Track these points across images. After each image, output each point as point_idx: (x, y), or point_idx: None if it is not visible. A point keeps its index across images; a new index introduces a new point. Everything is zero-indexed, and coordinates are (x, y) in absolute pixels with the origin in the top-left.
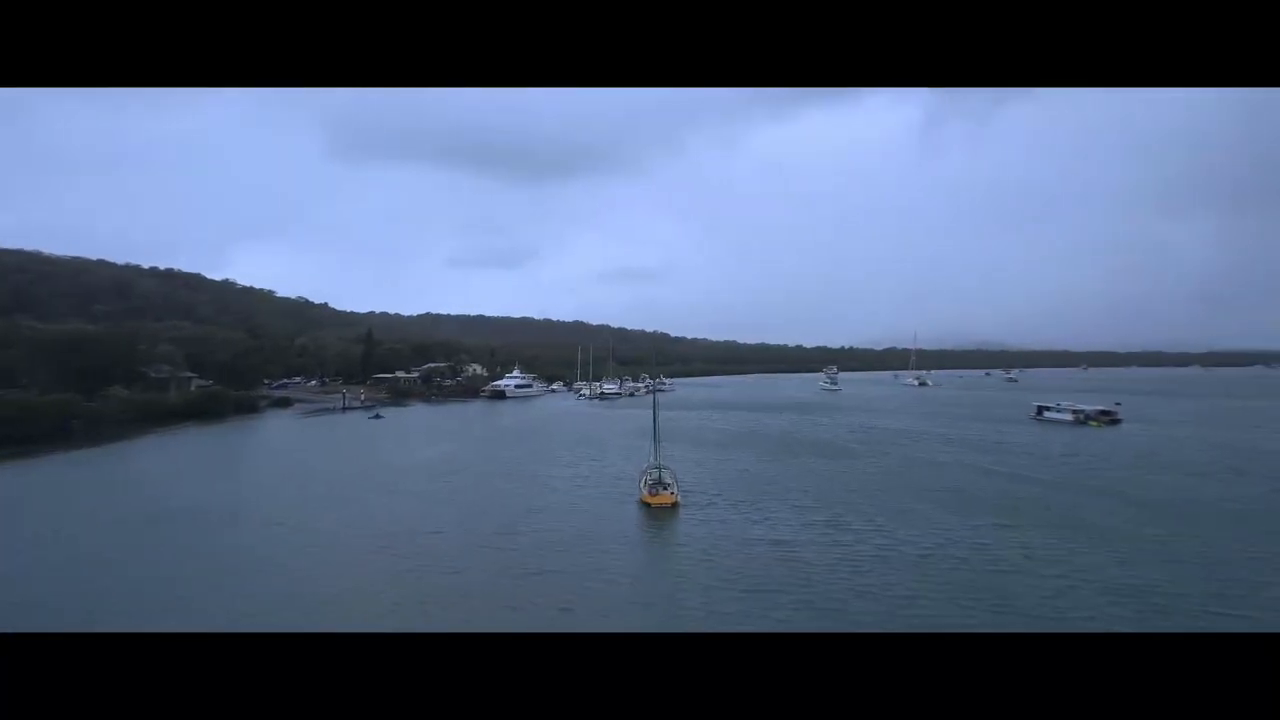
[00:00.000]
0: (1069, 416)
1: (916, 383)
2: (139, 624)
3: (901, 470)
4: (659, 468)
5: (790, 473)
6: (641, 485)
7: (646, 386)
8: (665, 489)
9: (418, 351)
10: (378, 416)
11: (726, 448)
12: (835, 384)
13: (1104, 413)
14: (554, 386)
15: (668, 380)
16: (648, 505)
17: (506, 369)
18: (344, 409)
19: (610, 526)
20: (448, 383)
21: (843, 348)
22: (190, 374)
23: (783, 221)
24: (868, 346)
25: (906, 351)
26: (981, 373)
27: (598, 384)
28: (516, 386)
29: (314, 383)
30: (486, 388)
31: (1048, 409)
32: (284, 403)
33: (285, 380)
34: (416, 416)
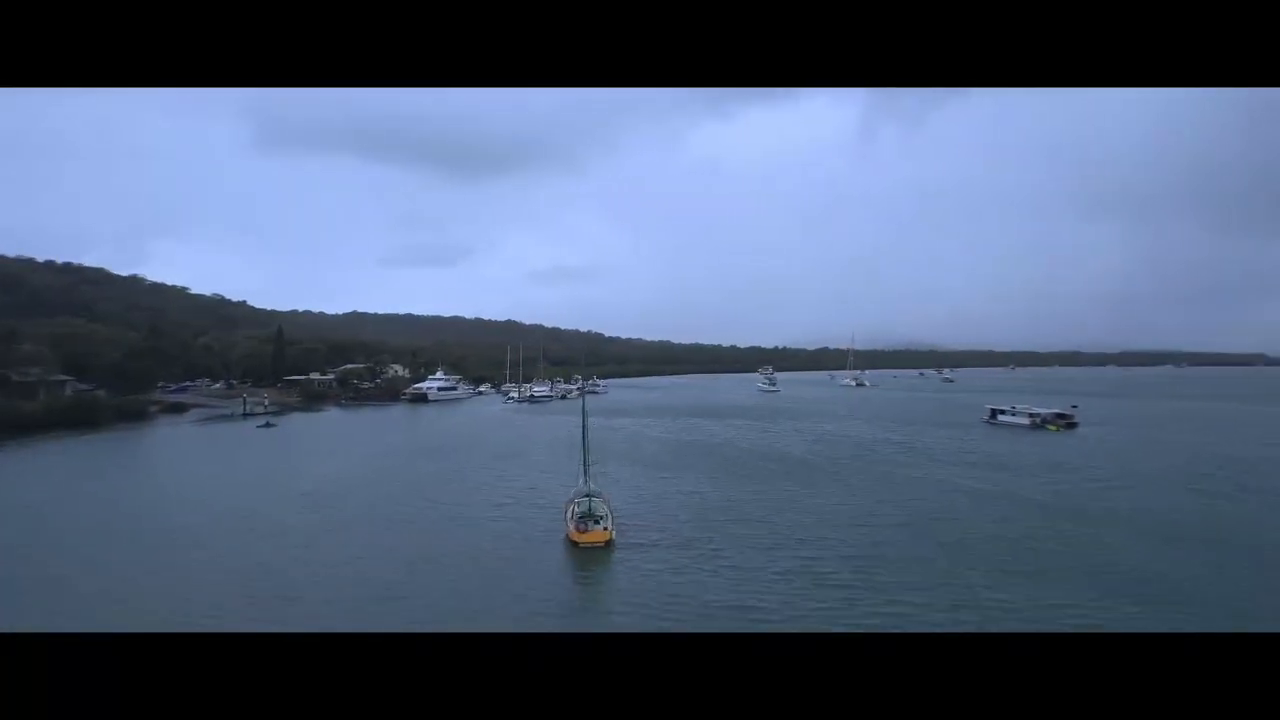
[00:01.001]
0: (1025, 420)
1: (854, 383)
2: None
3: (875, 490)
4: (589, 496)
5: (748, 497)
6: (568, 518)
7: (579, 388)
8: (597, 524)
9: (336, 351)
10: (268, 425)
11: (668, 465)
12: (774, 385)
13: (1060, 416)
14: (481, 388)
15: (601, 382)
16: (575, 545)
17: (430, 370)
18: (245, 414)
19: (522, 583)
20: (366, 385)
21: (776, 348)
22: (65, 377)
23: (719, 221)
24: (800, 347)
25: (839, 351)
26: (915, 373)
27: (527, 386)
28: (440, 389)
29: (219, 385)
30: (407, 390)
31: (1002, 412)
32: (179, 408)
33: (187, 383)
34: (325, 423)
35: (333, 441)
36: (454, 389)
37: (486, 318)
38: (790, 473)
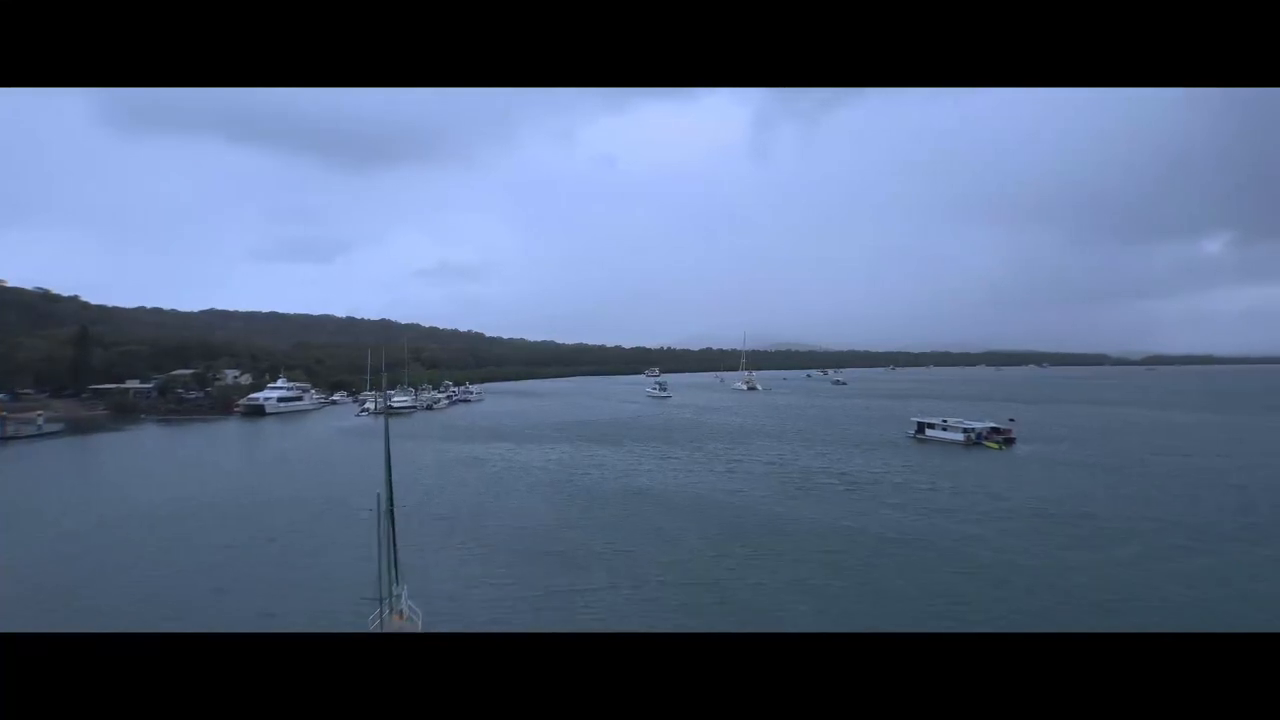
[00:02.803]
0: (959, 436)
1: (745, 386)
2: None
3: (854, 581)
4: None
5: (680, 614)
6: None
7: (449, 396)
8: None
9: (170, 354)
10: None
11: (545, 538)
12: (664, 390)
13: (996, 431)
14: (335, 397)
15: (475, 388)
16: None
17: (276, 376)
18: (3, 438)
19: None
20: (192, 395)
21: (662, 348)
22: None
23: (611, 220)
24: (685, 347)
25: (722, 352)
26: (803, 374)
27: (390, 394)
28: (280, 400)
29: (3, 397)
30: (241, 401)
31: (930, 426)
32: None
33: None
34: (97, 452)
35: (52, 491)
36: (299, 399)
37: (360, 317)
38: (727, 545)
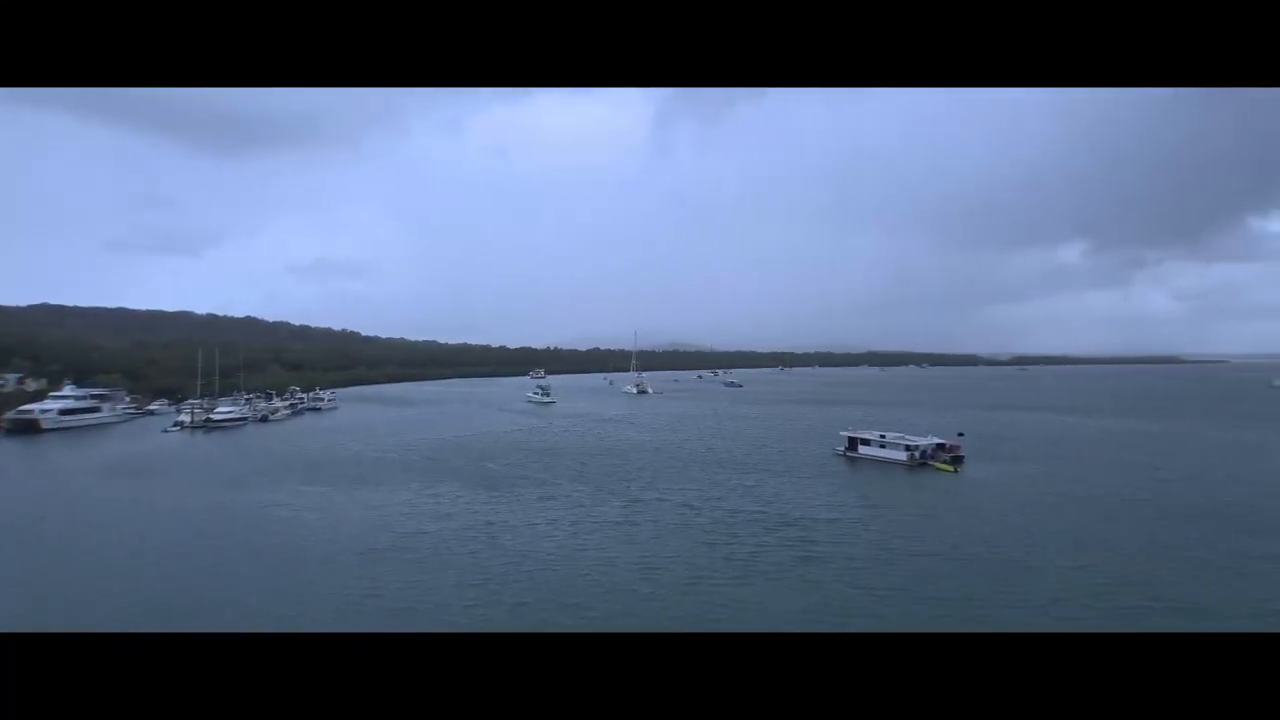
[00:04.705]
0: (901, 455)
1: (636, 390)
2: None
3: None
4: None
5: None
6: None
7: (293, 405)
8: None
9: None
10: None
11: None
12: (547, 395)
13: (943, 447)
14: (153, 406)
15: (329, 394)
16: None
17: (85, 381)
18: None
19: None
20: None
21: (548, 348)
22: None
23: (500, 216)
24: (572, 347)
25: (609, 352)
26: (694, 375)
27: (216, 403)
28: (62, 412)
29: None
30: (7, 415)
31: (865, 443)
32: None
33: None
34: None
35: None
36: (94, 410)
37: (225, 314)
38: None
